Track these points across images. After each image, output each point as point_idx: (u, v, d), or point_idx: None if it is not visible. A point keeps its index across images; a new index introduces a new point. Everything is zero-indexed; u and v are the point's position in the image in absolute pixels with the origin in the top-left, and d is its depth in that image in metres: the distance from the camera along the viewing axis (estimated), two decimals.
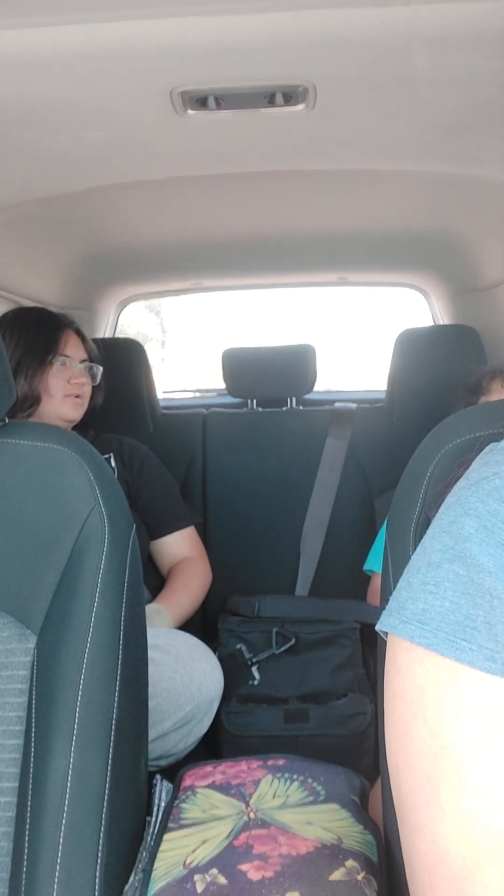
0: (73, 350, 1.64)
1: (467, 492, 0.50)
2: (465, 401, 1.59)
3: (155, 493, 1.74)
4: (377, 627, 0.51)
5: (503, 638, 0.44)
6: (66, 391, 1.60)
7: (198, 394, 2.90)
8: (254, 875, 0.68)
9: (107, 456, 1.71)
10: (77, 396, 1.63)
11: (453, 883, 0.44)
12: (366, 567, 1.78)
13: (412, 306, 2.67)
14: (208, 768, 0.88)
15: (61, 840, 0.69)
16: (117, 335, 2.66)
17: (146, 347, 2.16)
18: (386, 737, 0.50)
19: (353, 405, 2.09)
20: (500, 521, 0.47)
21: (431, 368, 1.95)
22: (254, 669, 1.60)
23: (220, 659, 1.48)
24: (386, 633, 0.50)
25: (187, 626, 1.61)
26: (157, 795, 0.83)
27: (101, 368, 1.71)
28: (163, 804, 0.82)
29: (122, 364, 2.07)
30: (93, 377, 1.69)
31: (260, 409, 2.17)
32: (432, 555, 0.49)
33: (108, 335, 2.56)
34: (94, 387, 1.70)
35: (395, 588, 0.51)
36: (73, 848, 0.69)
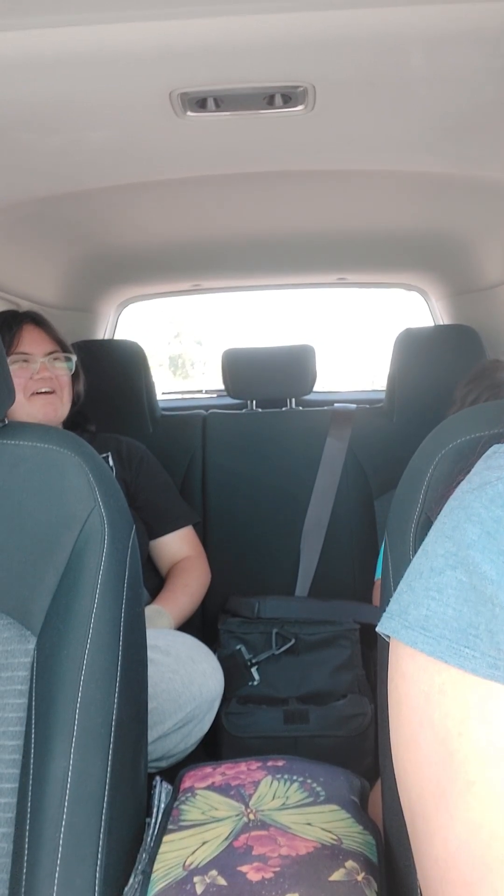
0: (31, 345, 1.54)
1: (470, 496, 0.50)
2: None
3: (153, 493, 1.73)
4: (378, 629, 0.51)
5: None
6: (29, 390, 1.51)
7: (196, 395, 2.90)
8: (253, 876, 0.68)
9: (104, 455, 1.71)
10: (51, 392, 1.54)
11: (464, 888, 0.44)
12: (377, 578, 1.77)
13: (411, 306, 2.67)
14: (208, 770, 0.88)
15: (61, 841, 0.68)
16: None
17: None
18: (392, 743, 0.50)
19: (353, 406, 2.09)
20: (502, 527, 0.47)
21: (431, 369, 1.95)
22: (254, 670, 1.60)
23: (220, 660, 1.48)
24: (388, 636, 0.50)
25: (187, 626, 1.61)
26: (156, 797, 0.83)
27: (73, 357, 1.61)
28: (162, 805, 0.82)
29: (121, 366, 2.06)
30: (67, 368, 1.59)
31: (259, 410, 2.16)
32: (435, 560, 0.49)
33: (107, 336, 2.55)
34: (72, 377, 1.60)
35: (395, 588, 0.51)
36: (72, 849, 0.69)
